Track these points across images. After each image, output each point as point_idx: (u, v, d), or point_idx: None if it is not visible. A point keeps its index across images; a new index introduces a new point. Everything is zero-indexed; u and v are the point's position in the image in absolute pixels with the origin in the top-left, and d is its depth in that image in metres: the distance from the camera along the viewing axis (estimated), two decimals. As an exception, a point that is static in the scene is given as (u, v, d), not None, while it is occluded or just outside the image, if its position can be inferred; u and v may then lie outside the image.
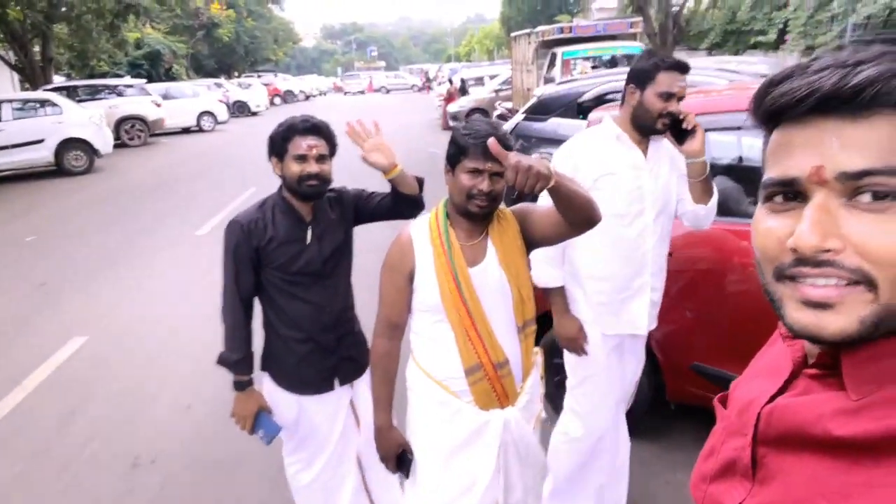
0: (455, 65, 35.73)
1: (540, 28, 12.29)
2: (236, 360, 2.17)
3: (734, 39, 12.40)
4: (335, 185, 2.27)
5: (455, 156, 1.75)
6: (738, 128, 2.81)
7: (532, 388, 1.93)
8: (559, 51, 10.35)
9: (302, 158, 2.08)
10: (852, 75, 0.55)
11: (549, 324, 3.27)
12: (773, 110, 0.62)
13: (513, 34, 15.11)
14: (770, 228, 0.62)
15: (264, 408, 2.23)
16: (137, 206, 9.66)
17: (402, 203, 2.25)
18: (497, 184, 1.73)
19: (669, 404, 3.14)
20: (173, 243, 7.51)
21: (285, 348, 2.23)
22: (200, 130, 20.81)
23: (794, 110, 0.59)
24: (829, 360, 0.62)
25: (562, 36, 11.43)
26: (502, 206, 1.87)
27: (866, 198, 0.56)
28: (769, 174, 0.63)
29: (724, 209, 2.59)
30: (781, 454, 0.64)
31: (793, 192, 0.61)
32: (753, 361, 0.79)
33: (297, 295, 2.19)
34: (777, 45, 11.03)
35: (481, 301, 1.80)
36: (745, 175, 2.88)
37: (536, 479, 2.02)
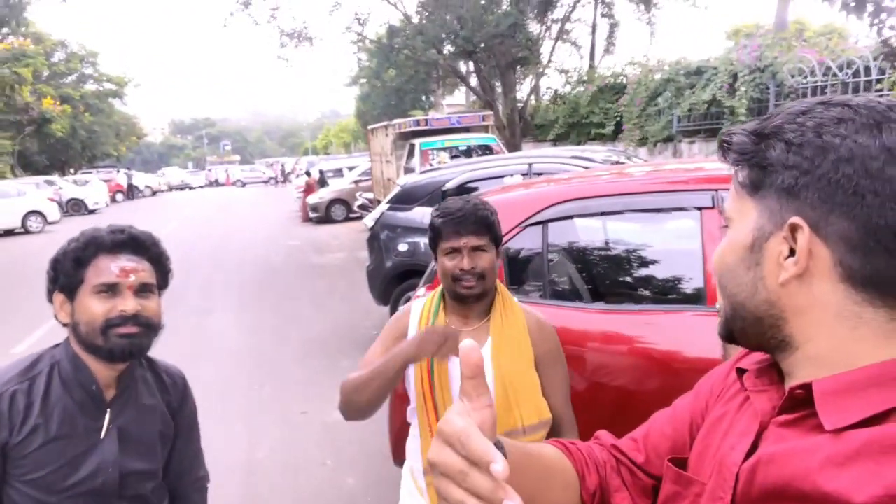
0: (313, 158, 35.84)
1: (397, 120, 12.51)
2: None
3: (577, 131, 13.44)
4: None
5: (433, 240, 1.63)
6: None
7: None
8: (417, 142, 10.52)
9: (110, 290, 1.30)
10: None
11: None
12: None
13: (370, 126, 15.33)
14: None
15: None
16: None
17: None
18: (479, 259, 1.58)
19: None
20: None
21: None
22: (27, 232, 18.77)
23: None
24: (803, 393, 0.59)
25: (418, 128, 11.70)
26: (510, 296, 1.69)
27: None
28: None
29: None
30: None
31: None
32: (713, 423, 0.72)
33: None
34: (615, 135, 12.03)
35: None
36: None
37: None
